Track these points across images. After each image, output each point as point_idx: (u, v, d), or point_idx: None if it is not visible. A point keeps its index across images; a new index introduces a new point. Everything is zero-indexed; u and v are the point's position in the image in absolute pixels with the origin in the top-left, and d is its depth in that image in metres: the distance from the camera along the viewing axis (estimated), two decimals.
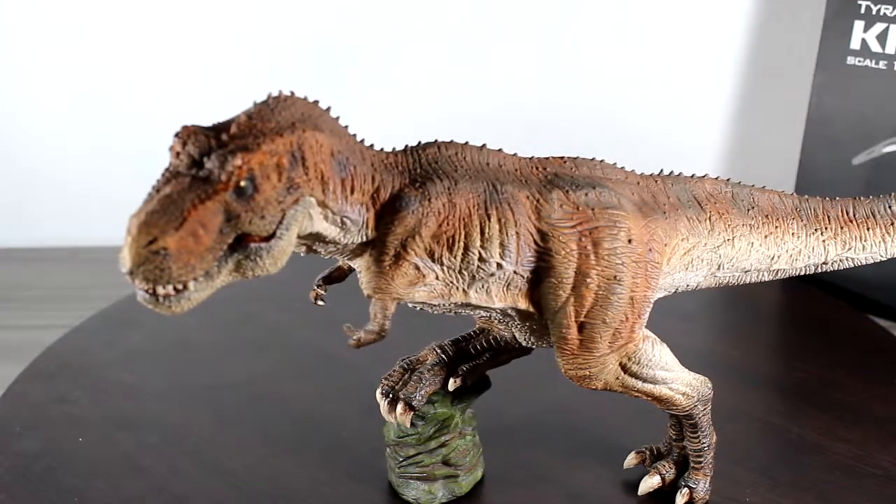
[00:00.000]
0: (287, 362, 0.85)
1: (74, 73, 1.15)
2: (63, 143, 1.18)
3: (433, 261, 0.52)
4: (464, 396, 0.64)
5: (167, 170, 0.45)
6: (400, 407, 0.61)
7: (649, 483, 0.65)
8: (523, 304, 0.55)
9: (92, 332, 0.90)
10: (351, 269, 0.60)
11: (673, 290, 0.62)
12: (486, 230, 0.53)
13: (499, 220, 0.53)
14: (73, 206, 1.20)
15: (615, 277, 0.55)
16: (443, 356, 0.63)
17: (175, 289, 0.44)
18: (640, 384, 0.58)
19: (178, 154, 0.45)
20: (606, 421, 0.74)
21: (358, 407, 0.76)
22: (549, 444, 0.71)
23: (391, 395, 0.62)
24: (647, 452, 0.67)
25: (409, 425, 0.61)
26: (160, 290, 0.44)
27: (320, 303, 0.60)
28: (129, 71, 1.16)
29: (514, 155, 0.56)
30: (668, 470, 0.65)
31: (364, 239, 0.52)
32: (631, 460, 0.68)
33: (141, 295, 0.44)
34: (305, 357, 0.86)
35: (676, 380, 0.60)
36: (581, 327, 0.55)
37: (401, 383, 0.62)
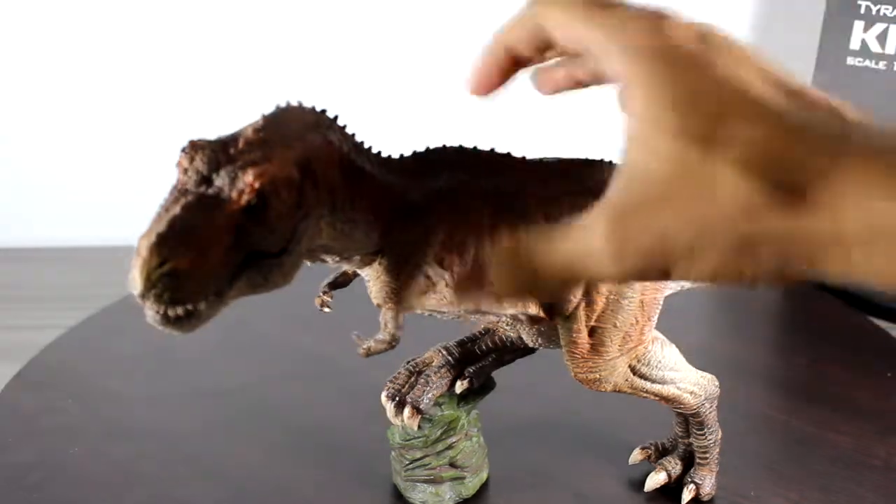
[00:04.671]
0: (276, 367, 0.83)
1: (74, 74, 1.14)
2: (63, 142, 1.17)
3: (443, 268, 0.51)
4: (469, 397, 0.64)
5: (175, 187, 0.44)
6: (407, 410, 0.60)
7: (655, 479, 0.65)
8: (534, 310, 0.55)
9: (77, 341, 0.87)
10: (356, 274, 0.59)
11: (679, 287, 0.62)
12: (497, 235, 0.52)
13: (508, 224, 0.52)
14: (72, 206, 1.19)
15: None
16: (449, 358, 0.63)
17: (186, 310, 0.43)
18: (648, 385, 0.58)
19: (185, 170, 0.43)
20: (610, 419, 0.74)
21: (354, 410, 0.75)
22: (553, 443, 0.71)
23: (397, 399, 0.61)
24: (652, 448, 0.67)
25: (416, 429, 0.61)
26: (171, 312, 0.42)
27: (326, 309, 0.59)
28: (129, 72, 1.15)
29: (522, 157, 0.55)
30: (674, 466, 0.65)
31: (373, 248, 0.50)
32: (636, 456, 0.68)
33: (151, 316, 0.43)
34: (294, 361, 0.84)
35: (684, 379, 0.60)
36: (591, 331, 0.55)
37: (407, 386, 0.61)
